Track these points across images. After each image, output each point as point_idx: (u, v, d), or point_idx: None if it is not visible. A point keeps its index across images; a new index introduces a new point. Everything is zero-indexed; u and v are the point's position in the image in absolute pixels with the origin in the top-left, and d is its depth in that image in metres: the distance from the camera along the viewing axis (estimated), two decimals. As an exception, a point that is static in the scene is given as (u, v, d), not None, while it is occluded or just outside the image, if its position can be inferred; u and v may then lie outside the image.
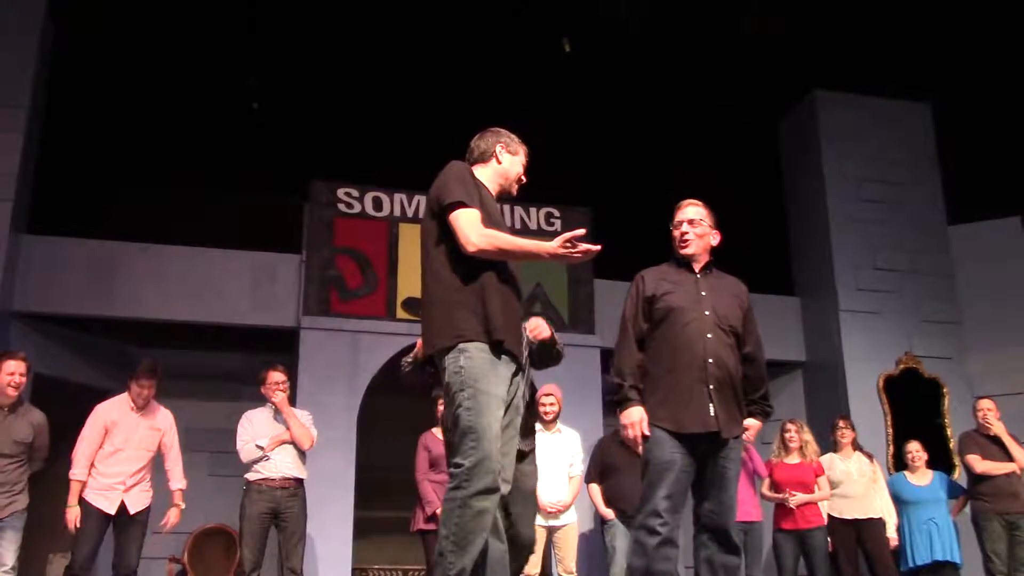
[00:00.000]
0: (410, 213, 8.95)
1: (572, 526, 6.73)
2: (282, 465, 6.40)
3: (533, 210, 9.29)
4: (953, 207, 9.92)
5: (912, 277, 9.53)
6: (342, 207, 8.79)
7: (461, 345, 3.35)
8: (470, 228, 3.40)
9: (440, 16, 8.73)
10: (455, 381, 3.32)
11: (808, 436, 7.36)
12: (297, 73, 9.09)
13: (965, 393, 9.19)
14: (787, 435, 7.37)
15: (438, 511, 6.29)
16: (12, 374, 5.74)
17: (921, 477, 7.74)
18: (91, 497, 5.96)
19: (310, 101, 9.27)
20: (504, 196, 3.92)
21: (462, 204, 3.44)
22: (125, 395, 6.22)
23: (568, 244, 3.45)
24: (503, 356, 3.39)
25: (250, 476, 6.37)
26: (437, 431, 6.73)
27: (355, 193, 8.87)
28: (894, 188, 9.79)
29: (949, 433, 8.98)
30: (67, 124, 8.66)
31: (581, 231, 3.45)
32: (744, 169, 10.24)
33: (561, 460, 6.77)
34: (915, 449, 7.78)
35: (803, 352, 9.81)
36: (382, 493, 8.60)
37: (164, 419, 6.30)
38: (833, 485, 7.35)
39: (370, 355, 8.39)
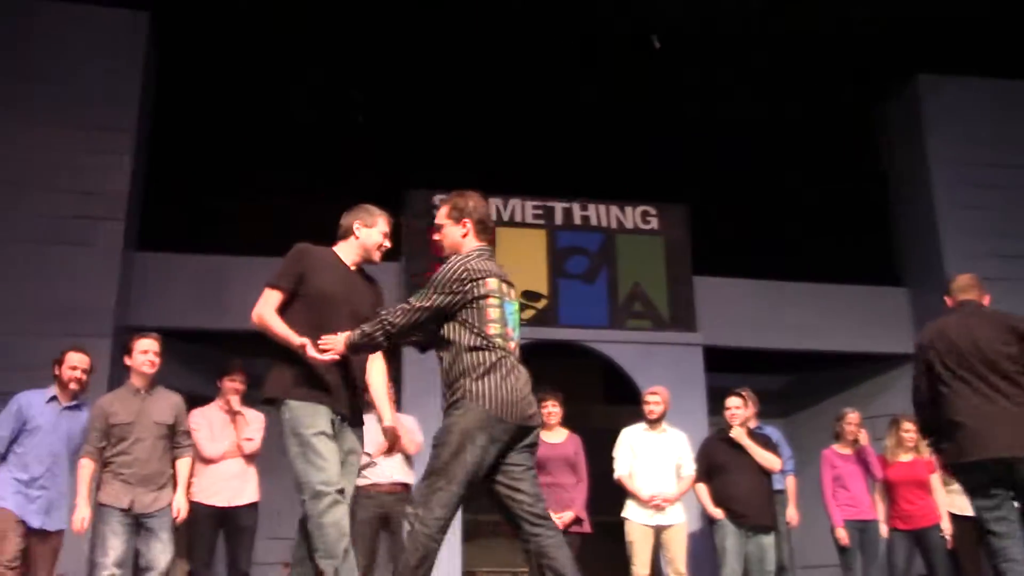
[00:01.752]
0: (505, 217, 9.00)
1: (681, 526, 6.65)
2: (390, 470, 6.47)
3: (629, 209, 9.24)
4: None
5: (1029, 263, 9.16)
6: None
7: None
8: (259, 304, 4.14)
9: (527, 22, 8.75)
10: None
11: None
12: (392, 85, 9.22)
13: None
14: (905, 435, 7.12)
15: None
16: (146, 352, 5.49)
17: None
18: (199, 497, 6.07)
19: (406, 111, 9.39)
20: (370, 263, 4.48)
21: (268, 284, 4.22)
22: (214, 402, 6.37)
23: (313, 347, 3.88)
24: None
25: (359, 482, 6.43)
26: (542, 433, 6.69)
27: (452, 200, 8.92)
28: (1008, 171, 9.41)
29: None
30: (173, 142, 8.95)
31: (329, 357, 3.85)
32: (846, 158, 9.99)
33: (667, 459, 6.72)
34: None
35: (912, 345, 9.48)
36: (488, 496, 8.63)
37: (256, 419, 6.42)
38: (948, 481, 7.09)
39: (472, 360, 8.43)
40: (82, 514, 5.20)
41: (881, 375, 9.71)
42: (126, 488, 5.23)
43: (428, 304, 3.78)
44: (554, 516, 6.27)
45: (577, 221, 9.15)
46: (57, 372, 5.54)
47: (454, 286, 3.78)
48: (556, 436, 6.73)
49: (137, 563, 5.41)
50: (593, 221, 9.18)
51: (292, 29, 8.68)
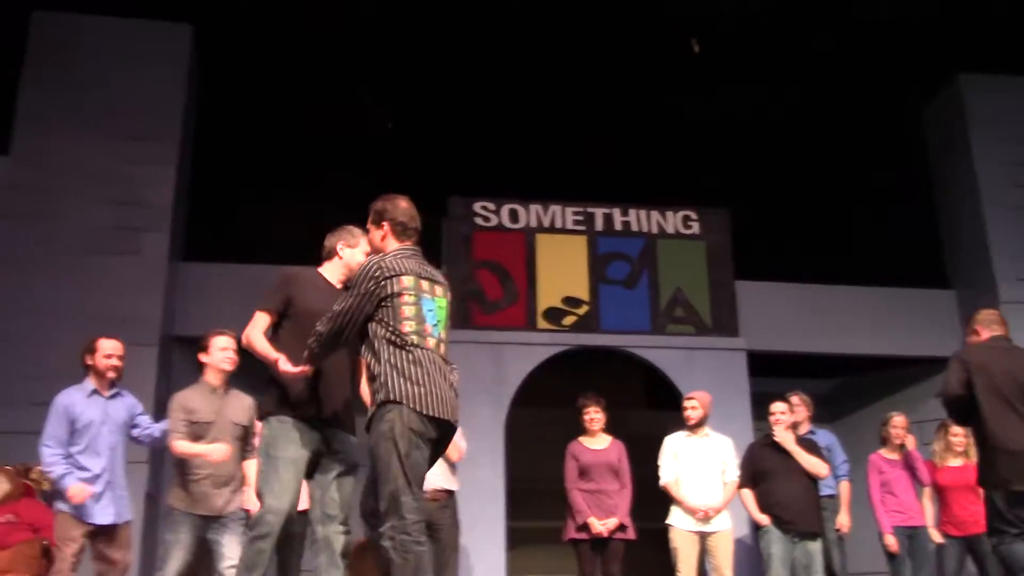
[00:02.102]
0: (546, 223, 8.99)
1: (726, 532, 6.59)
2: (432, 477, 6.43)
3: (670, 213, 9.19)
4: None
5: (1080, 263, 8.98)
6: (479, 221, 8.90)
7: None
8: (249, 326, 4.32)
9: (567, 28, 8.76)
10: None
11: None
12: (433, 91, 9.26)
13: None
14: (954, 439, 7.01)
15: (589, 520, 6.33)
16: (225, 348, 5.44)
17: None
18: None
19: (444, 119, 9.43)
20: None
21: (257, 308, 4.38)
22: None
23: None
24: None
25: (403, 489, 6.47)
26: (585, 440, 6.73)
27: (491, 206, 8.96)
28: (1057, 171, 9.25)
29: None
30: (216, 153, 9.05)
31: (298, 370, 4.00)
32: (892, 159, 9.88)
33: (711, 464, 6.66)
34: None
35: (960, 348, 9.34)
36: (533, 503, 8.63)
37: None
38: (1003, 486, 6.96)
39: (514, 366, 8.46)
40: (221, 449, 5.08)
41: (929, 379, 9.53)
42: (200, 491, 5.18)
43: (346, 307, 3.86)
44: (598, 523, 6.30)
45: (618, 227, 9.11)
46: (91, 362, 5.40)
47: (368, 284, 3.84)
48: (599, 442, 6.71)
49: (208, 564, 5.29)
50: (634, 226, 9.15)
51: (331, 38, 8.75)
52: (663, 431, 6.96)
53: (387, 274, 3.86)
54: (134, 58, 8.48)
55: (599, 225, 9.10)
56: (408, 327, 3.82)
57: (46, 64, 8.36)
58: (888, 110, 9.80)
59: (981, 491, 6.74)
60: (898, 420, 7.14)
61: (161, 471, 7.48)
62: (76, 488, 5.10)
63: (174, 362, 8.07)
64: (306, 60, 8.90)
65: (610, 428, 6.83)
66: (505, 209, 8.99)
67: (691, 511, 6.49)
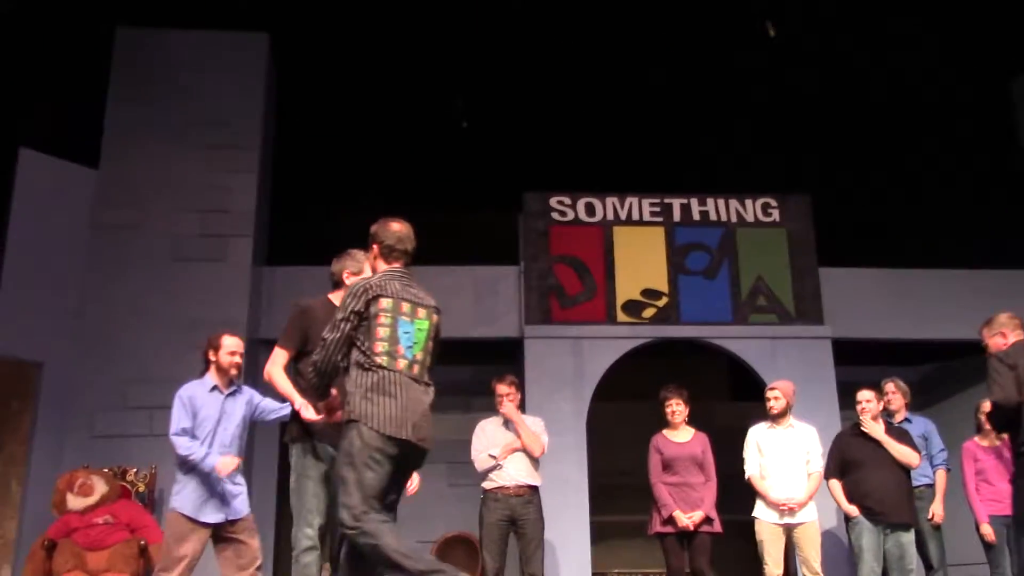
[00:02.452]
0: (623, 216, 8.94)
1: (813, 524, 6.48)
2: (516, 473, 6.52)
3: (749, 201, 9.06)
4: None
5: None
6: (556, 215, 8.89)
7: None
8: (269, 362, 4.67)
9: (640, 15, 8.70)
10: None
11: None
12: (506, 87, 9.29)
13: None
14: None
15: (675, 513, 6.29)
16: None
17: None
18: None
19: (516, 114, 9.45)
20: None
21: (277, 344, 4.71)
22: None
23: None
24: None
25: (486, 485, 6.52)
26: (668, 432, 6.68)
27: (567, 201, 8.95)
28: None
29: None
30: (296, 158, 9.23)
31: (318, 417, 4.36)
32: (977, 137, 9.57)
33: (795, 455, 6.55)
34: None
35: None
36: (617, 497, 8.61)
37: None
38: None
39: (594, 360, 8.44)
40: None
41: (1023, 362, 9.25)
42: None
43: (336, 334, 3.95)
44: (683, 516, 6.26)
45: (696, 217, 9.02)
46: (213, 358, 5.36)
47: (351, 304, 3.96)
48: (683, 435, 6.66)
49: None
50: (712, 216, 9.04)
51: (403, 40, 8.84)
52: (747, 422, 6.87)
53: (368, 296, 3.97)
54: (214, 69, 8.71)
55: (677, 216, 9.01)
56: (380, 347, 3.93)
57: (130, 79, 8.63)
58: (973, 86, 9.51)
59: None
60: (988, 405, 6.93)
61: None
62: (222, 461, 5.10)
63: (260, 365, 8.23)
64: (378, 62, 9.01)
65: (693, 420, 6.77)
66: (581, 203, 8.97)
67: (775, 504, 6.41)
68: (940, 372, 9.58)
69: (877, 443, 6.36)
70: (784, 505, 6.36)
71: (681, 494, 6.42)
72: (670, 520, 6.37)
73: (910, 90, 9.23)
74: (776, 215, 9.04)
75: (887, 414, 6.88)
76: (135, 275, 8.08)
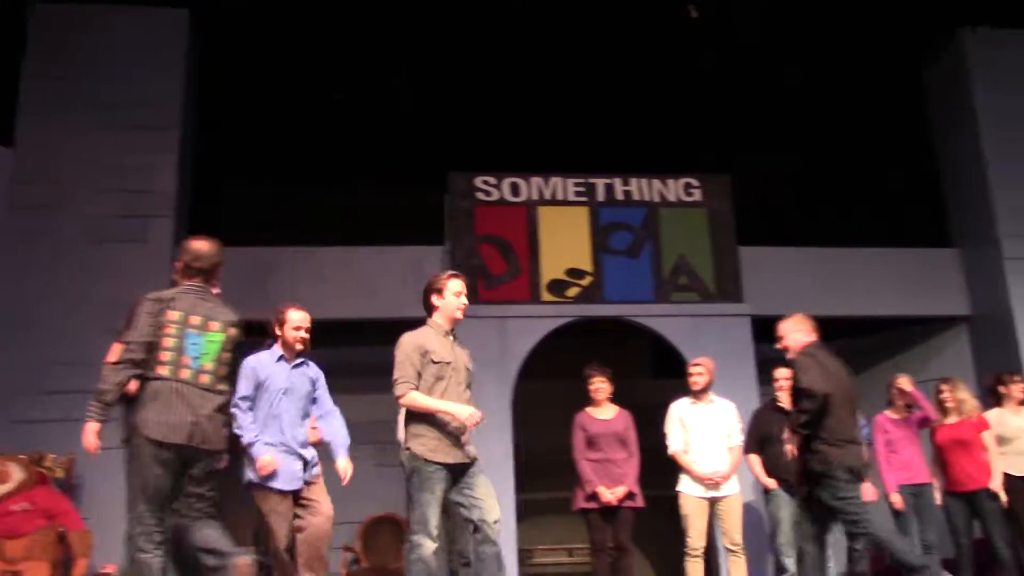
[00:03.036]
0: (547, 195, 9.01)
1: (735, 497, 6.66)
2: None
3: (671, 182, 9.20)
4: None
5: (1083, 217, 8.97)
6: (481, 195, 8.92)
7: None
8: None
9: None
10: None
11: (963, 394, 7.06)
12: (430, 67, 9.25)
13: None
14: (941, 396, 7.10)
15: (598, 489, 6.40)
16: (459, 294, 5.12)
17: None
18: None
19: (445, 93, 9.42)
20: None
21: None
22: None
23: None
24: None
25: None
26: (592, 410, 6.79)
27: (492, 181, 8.98)
28: (1059, 122, 9.22)
29: None
30: (217, 137, 9.08)
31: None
32: (889, 120, 9.84)
33: (717, 430, 6.72)
34: None
35: (967, 306, 9.38)
36: (543, 475, 8.71)
37: None
38: (1004, 442, 7.02)
39: (519, 339, 8.51)
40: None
41: (933, 338, 9.61)
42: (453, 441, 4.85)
43: (131, 349, 4.24)
44: (607, 492, 6.37)
45: (619, 196, 9.13)
46: (279, 332, 5.42)
47: (142, 320, 4.29)
48: (606, 412, 6.77)
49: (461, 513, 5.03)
50: (635, 196, 9.16)
51: (328, 17, 8.73)
52: (668, 399, 7.01)
53: (155, 311, 4.31)
54: (133, 46, 8.54)
55: (600, 195, 9.11)
56: (165, 357, 4.24)
57: (46, 56, 8.42)
58: (888, 70, 9.76)
59: (980, 446, 6.86)
60: (902, 380, 7.20)
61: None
62: (265, 459, 5.08)
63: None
64: (302, 40, 8.89)
65: (616, 398, 6.89)
66: (506, 183, 9.01)
67: (700, 478, 6.56)
68: (854, 348, 9.85)
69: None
70: (710, 479, 6.51)
71: (604, 470, 6.53)
72: (593, 496, 6.48)
73: (829, 73, 9.42)
74: (698, 195, 9.19)
75: None
76: (53, 256, 7.90)
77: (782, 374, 6.81)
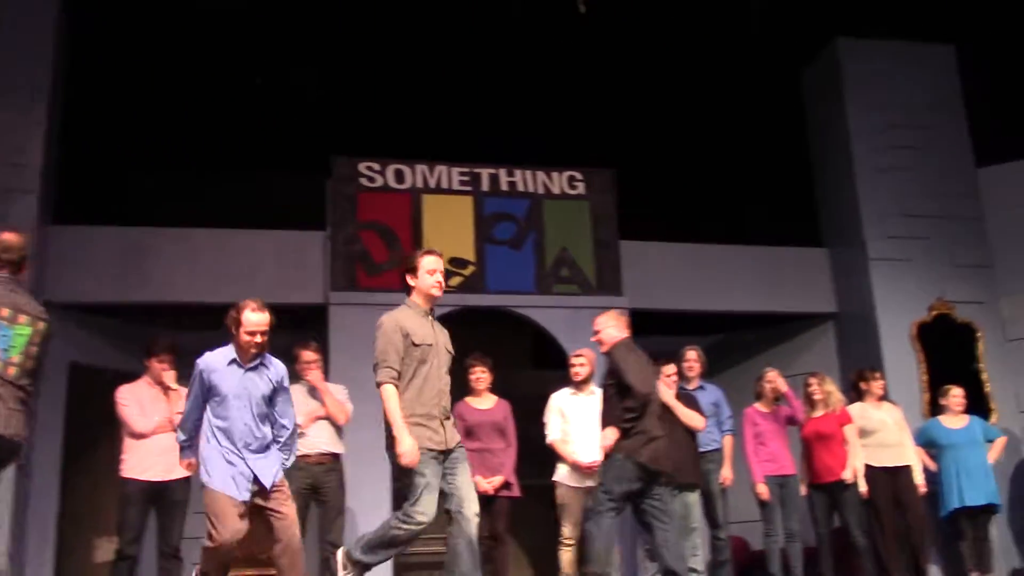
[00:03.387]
0: (432, 184, 8.96)
1: (609, 487, 6.75)
2: (318, 441, 6.47)
3: (556, 174, 9.26)
4: (981, 149, 9.76)
5: (942, 222, 9.39)
6: (364, 181, 8.80)
7: None
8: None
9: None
10: None
11: (830, 387, 7.38)
12: (314, 51, 9.07)
13: (999, 337, 9.13)
14: (809, 389, 7.39)
15: (475, 478, 6.37)
16: (433, 272, 5.11)
17: (956, 421, 7.74)
18: (132, 473, 6.05)
19: (327, 76, 9.26)
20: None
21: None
22: (142, 378, 6.32)
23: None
24: None
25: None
26: (471, 400, 6.79)
27: (376, 167, 8.88)
28: (921, 133, 9.63)
29: (985, 377, 8.92)
30: (89, 112, 8.70)
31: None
32: (768, 122, 10.13)
33: (597, 421, 6.78)
34: (959, 395, 7.79)
35: (833, 304, 9.74)
36: (419, 464, 8.65)
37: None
38: (867, 434, 7.37)
39: (400, 328, 8.42)
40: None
41: (802, 334, 9.94)
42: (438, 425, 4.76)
43: None
44: (483, 481, 6.38)
45: (504, 187, 9.15)
46: (234, 331, 4.95)
47: None
48: (485, 402, 6.78)
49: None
50: (520, 187, 9.19)
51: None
52: (548, 390, 7.07)
53: None
54: (-2, 12, 8.09)
55: (485, 185, 9.11)
56: None
57: None
58: (770, 73, 10.02)
59: (841, 440, 7.17)
60: (771, 375, 7.45)
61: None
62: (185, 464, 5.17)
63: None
64: (185, 13, 8.59)
65: (496, 388, 6.91)
66: (390, 169, 8.92)
67: (577, 467, 6.62)
68: (727, 342, 10.14)
69: (668, 409, 6.69)
70: (589, 468, 6.58)
71: (482, 460, 6.54)
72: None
73: (713, 72, 9.62)
74: (581, 188, 9.28)
75: (683, 380, 7.25)
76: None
77: (669, 371, 6.93)
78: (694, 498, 6.73)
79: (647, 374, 5.68)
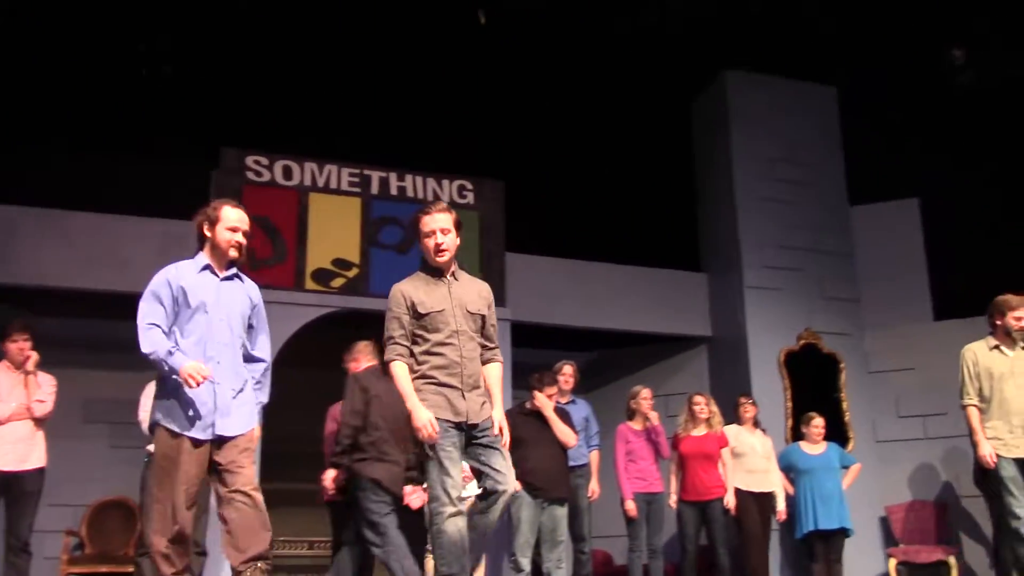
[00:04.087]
0: (320, 183, 8.86)
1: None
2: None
3: (446, 182, 9.27)
4: (856, 188, 10.21)
5: (815, 255, 9.77)
6: (251, 175, 8.65)
7: None
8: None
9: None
10: None
11: (715, 408, 7.61)
12: (208, 36, 8.85)
13: (861, 369, 9.53)
14: (696, 407, 7.58)
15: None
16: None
17: (815, 447, 8.07)
18: None
19: (220, 65, 9.04)
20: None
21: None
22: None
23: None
24: None
25: (152, 447, 6.26)
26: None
27: (264, 161, 8.73)
28: (801, 168, 9.99)
29: (845, 407, 9.31)
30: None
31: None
32: (656, 147, 10.36)
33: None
34: (820, 424, 8.11)
35: (708, 327, 10.01)
36: (291, 465, 8.53)
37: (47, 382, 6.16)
38: (737, 456, 7.64)
39: (278, 326, 8.23)
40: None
41: (677, 355, 10.18)
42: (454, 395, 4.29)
43: None
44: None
45: (393, 191, 9.11)
46: (208, 233, 4.39)
47: None
48: (360, 405, 6.70)
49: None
50: (409, 192, 9.16)
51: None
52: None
53: None
54: None
55: (375, 188, 9.05)
56: None
57: None
58: (660, 99, 10.25)
59: (718, 460, 7.40)
60: (645, 393, 7.62)
61: None
62: (189, 365, 4.03)
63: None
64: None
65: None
66: (279, 165, 8.78)
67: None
68: (603, 359, 10.31)
69: (542, 423, 6.75)
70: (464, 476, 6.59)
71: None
72: (341, 489, 6.41)
73: (607, 94, 9.78)
74: (471, 198, 9.31)
75: (558, 394, 7.33)
76: None
77: (552, 390, 6.97)
78: (562, 512, 6.80)
79: (365, 403, 5.68)
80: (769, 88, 10.17)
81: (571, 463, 7.08)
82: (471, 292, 4.51)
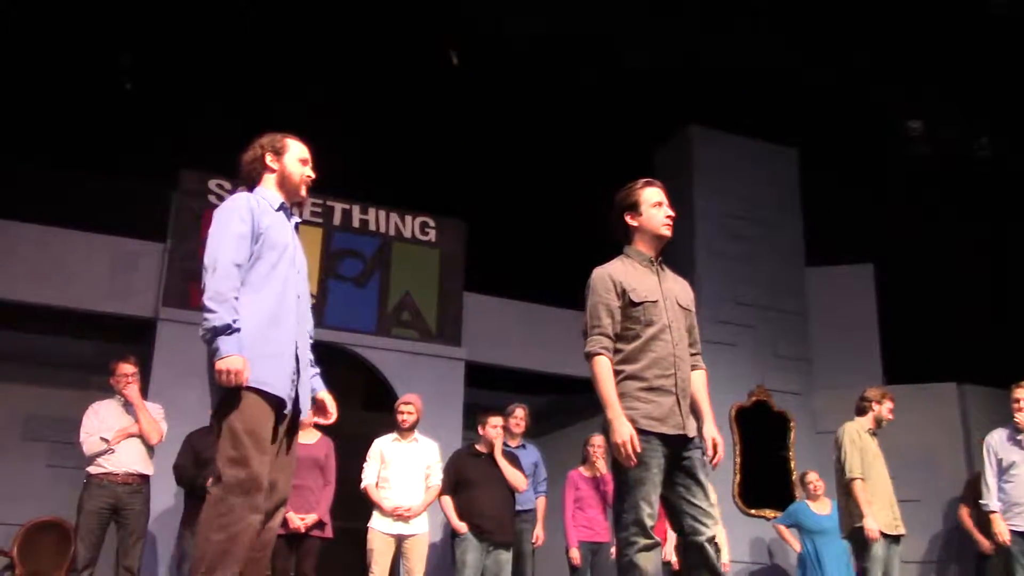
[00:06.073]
0: (282, 211, 8.78)
1: (423, 536, 6.71)
2: (127, 459, 6.19)
3: (409, 217, 9.26)
4: (812, 249, 10.35)
5: (769, 314, 9.86)
6: (213, 199, 8.56)
7: None
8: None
9: (322, 18, 8.60)
10: None
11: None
12: (174, 55, 8.80)
13: (810, 428, 9.60)
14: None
15: (288, 515, 6.22)
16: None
17: (822, 506, 8.06)
18: None
19: (185, 85, 8.98)
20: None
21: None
22: None
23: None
24: None
25: (91, 469, 6.14)
26: (293, 434, 6.61)
27: (227, 186, 8.65)
28: (759, 226, 10.11)
29: (792, 466, 9.35)
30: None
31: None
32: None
33: (417, 468, 6.77)
34: (815, 479, 8.12)
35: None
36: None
37: None
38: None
39: (230, 352, 8.16)
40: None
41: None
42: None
43: None
44: (296, 518, 6.21)
45: (355, 224, 9.07)
46: (275, 165, 3.68)
47: None
48: (309, 437, 6.62)
49: None
50: (371, 225, 9.13)
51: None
52: (375, 432, 6.98)
53: None
54: None
55: (337, 219, 9.01)
56: None
57: None
58: (625, 148, 10.33)
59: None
60: (597, 441, 7.59)
61: None
62: (234, 360, 3.27)
63: None
64: (34, 10, 8.20)
65: (320, 425, 6.76)
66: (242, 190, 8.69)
67: (389, 514, 6.56)
68: (554, 404, 10.28)
69: (491, 465, 6.71)
70: (396, 511, 6.52)
71: (298, 496, 6.35)
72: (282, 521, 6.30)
73: (570, 142, 9.85)
74: (433, 235, 9.30)
75: (508, 436, 7.30)
76: None
77: (494, 421, 6.94)
78: (507, 556, 6.74)
79: None
80: (731, 145, 10.32)
81: (517, 507, 7.03)
82: (679, 284, 3.94)
